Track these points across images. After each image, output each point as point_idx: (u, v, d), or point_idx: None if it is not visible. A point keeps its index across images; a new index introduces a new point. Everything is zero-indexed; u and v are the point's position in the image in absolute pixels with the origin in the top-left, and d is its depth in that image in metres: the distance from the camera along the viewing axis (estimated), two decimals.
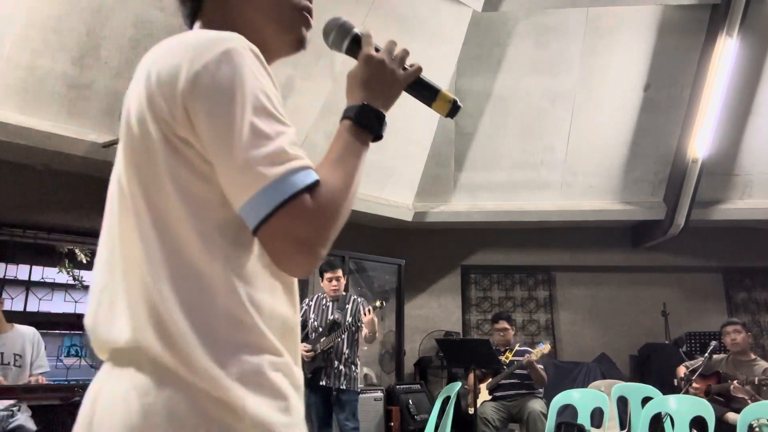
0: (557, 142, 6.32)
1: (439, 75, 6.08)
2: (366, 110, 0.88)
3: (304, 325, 4.20)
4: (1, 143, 4.33)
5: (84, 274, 9.08)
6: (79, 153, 4.56)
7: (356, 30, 0.98)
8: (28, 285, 6.66)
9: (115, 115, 4.13)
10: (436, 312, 6.87)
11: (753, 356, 4.32)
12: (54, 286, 7.68)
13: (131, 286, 0.75)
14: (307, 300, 4.37)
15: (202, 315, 0.72)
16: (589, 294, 7.09)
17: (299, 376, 0.81)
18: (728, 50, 5.65)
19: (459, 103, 1.00)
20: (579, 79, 6.12)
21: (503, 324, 5.08)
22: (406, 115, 6.21)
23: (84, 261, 8.58)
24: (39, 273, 6.36)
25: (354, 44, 0.98)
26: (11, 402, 3.44)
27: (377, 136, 0.89)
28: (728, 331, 4.32)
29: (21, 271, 6.52)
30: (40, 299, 7.48)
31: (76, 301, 8.39)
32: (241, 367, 0.72)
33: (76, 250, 8.15)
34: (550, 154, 6.41)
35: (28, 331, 3.78)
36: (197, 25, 0.93)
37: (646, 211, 6.55)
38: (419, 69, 0.96)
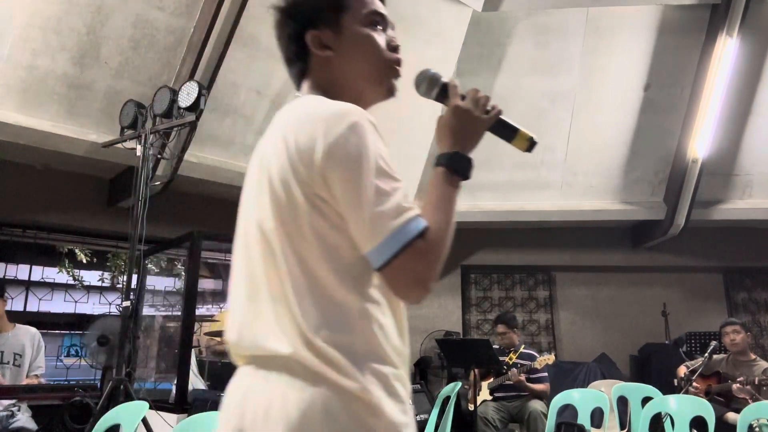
0: (557, 142, 6.31)
1: None
2: (457, 157, 1.02)
3: None
4: (1, 143, 4.33)
5: (84, 274, 9.08)
6: (79, 153, 4.56)
7: (444, 80, 1.11)
8: (28, 285, 6.67)
9: (115, 114, 4.12)
10: (436, 312, 6.87)
11: (753, 356, 4.31)
12: (54, 286, 7.69)
13: (279, 312, 0.92)
14: None
15: (344, 335, 0.90)
16: (589, 294, 7.09)
17: (410, 388, 0.98)
18: (728, 50, 5.65)
19: (536, 139, 1.11)
20: (579, 79, 6.12)
21: (501, 328, 5.08)
22: (406, 116, 6.21)
23: (84, 261, 8.58)
24: (39, 273, 6.38)
25: (442, 93, 1.11)
26: (11, 402, 3.44)
27: (466, 176, 1.03)
28: (727, 332, 4.31)
29: (21, 271, 6.54)
30: (40, 299, 7.48)
31: (76, 301, 8.38)
32: (376, 375, 0.90)
33: (76, 250, 8.15)
34: (550, 154, 6.40)
35: (30, 332, 3.79)
36: (306, 84, 1.11)
37: (646, 211, 6.55)
38: (500, 112, 1.08)
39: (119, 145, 3.92)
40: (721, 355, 4.42)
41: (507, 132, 1.11)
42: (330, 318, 0.90)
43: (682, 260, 6.91)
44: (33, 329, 3.84)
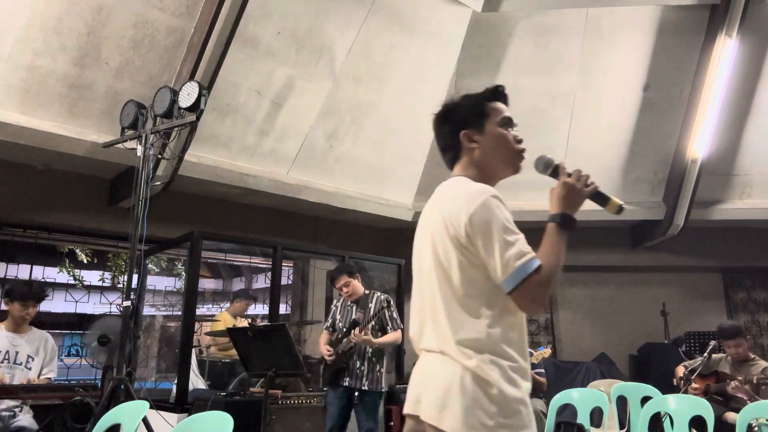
0: (557, 142, 6.32)
1: (439, 75, 6.08)
2: (564, 217, 1.46)
3: (334, 326, 4.18)
4: (2, 143, 4.34)
5: (84, 274, 9.08)
6: (80, 153, 4.57)
7: (556, 162, 1.54)
8: None
9: (115, 115, 4.13)
10: None
11: (752, 356, 4.30)
12: (54, 286, 7.69)
13: (435, 323, 1.46)
14: (335, 301, 4.35)
15: (474, 336, 1.39)
16: (589, 294, 7.10)
17: (529, 376, 1.43)
18: (727, 50, 5.66)
19: (624, 206, 1.50)
20: (579, 79, 6.13)
21: None
22: (406, 116, 6.21)
23: (84, 261, 8.57)
24: (39, 273, 6.37)
25: (554, 172, 1.53)
26: (14, 402, 3.44)
27: (571, 230, 1.45)
28: (730, 345, 4.23)
29: (22, 271, 6.53)
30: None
31: (76, 301, 8.39)
32: (496, 364, 1.37)
33: (77, 250, 8.14)
34: (550, 154, 6.39)
35: (44, 336, 3.80)
36: (458, 166, 1.62)
37: (645, 211, 6.56)
38: (596, 187, 1.51)
39: (120, 146, 3.92)
40: (720, 355, 4.42)
41: (602, 200, 1.51)
42: (466, 326, 1.40)
43: (681, 260, 6.91)
44: (47, 334, 3.84)
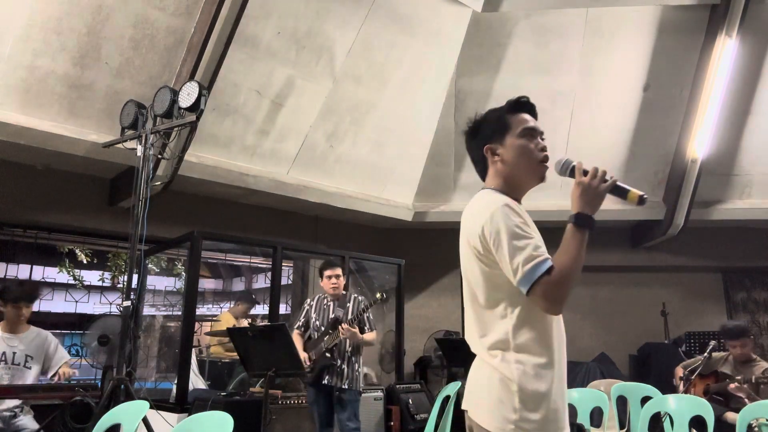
0: (557, 142, 6.31)
1: (439, 75, 6.08)
2: (581, 216, 1.49)
3: (306, 325, 4.20)
4: (2, 143, 4.34)
5: (84, 274, 9.07)
6: (80, 153, 4.57)
7: (573, 163, 1.57)
8: None
9: (115, 115, 4.13)
10: (436, 312, 6.87)
11: (754, 356, 4.30)
12: (54, 286, 7.70)
13: (473, 326, 1.59)
14: (308, 300, 4.35)
15: (501, 338, 1.50)
16: (589, 294, 7.09)
17: (559, 372, 1.51)
18: (727, 50, 5.66)
19: (645, 196, 1.51)
20: (579, 79, 6.13)
21: None
22: (406, 116, 6.21)
23: (84, 261, 8.56)
24: (39, 273, 6.38)
25: (572, 172, 1.56)
26: (15, 403, 3.44)
27: (591, 230, 1.48)
28: (735, 345, 4.23)
29: (21, 271, 6.53)
30: (40, 299, 7.47)
31: (76, 301, 8.39)
32: (520, 362, 1.47)
33: (77, 250, 8.13)
34: (550, 154, 6.40)
35: (41, 334, 3.79)
36: (487, 179, 1.68)
37: (645, 210, 6.55)
38: (615, 181, 1.52)
39: (120, 145, 3.92)
40: (720, 354, 4.42)
41: (621, 193, 1.52)
42: (493, 329, 1.52)
43: (681, 260, 6.91)
44: (44, 332, 3.82)
